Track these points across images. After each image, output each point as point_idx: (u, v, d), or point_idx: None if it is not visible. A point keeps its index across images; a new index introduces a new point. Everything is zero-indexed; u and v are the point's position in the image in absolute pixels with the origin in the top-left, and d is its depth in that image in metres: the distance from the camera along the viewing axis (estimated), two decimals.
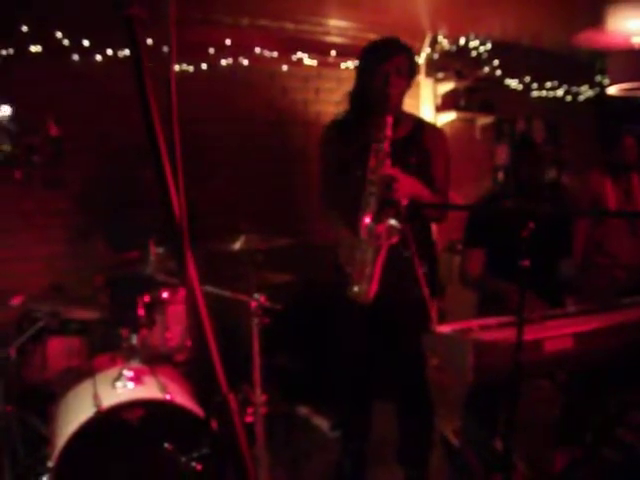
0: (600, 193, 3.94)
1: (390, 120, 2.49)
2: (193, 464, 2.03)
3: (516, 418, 2.11)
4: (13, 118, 3.76)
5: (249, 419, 3.06)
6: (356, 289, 2.52)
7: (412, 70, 2.78)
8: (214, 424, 0.91)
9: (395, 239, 2.40)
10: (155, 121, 0.95)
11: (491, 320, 2.46)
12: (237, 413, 0.91)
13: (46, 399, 2.98)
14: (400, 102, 2.78)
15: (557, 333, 2.33)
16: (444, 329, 2.40)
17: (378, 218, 2.44)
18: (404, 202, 2.36)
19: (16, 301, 3.09)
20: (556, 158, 6.23)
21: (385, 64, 2.66)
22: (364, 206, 2.50)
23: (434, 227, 3.40)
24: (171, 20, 0.98)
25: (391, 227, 2.39)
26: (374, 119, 2.61)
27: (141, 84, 0.96)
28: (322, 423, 3.90)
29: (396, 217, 2.41)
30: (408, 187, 2.50)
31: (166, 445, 2.43)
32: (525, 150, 3.26)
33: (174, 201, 0.95)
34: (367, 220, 2.47)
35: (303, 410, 4.05)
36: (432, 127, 2.98)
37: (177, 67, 4.34)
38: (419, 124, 2.88)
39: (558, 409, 3.11)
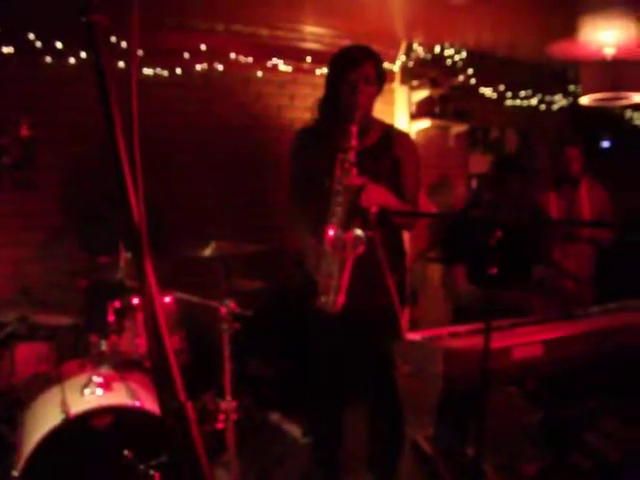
0: (543, 205, 3.98)
1: (355, 130, 2.48)
2: (151, 472, 2.01)
3: (486, 425, 2.12)
4: None
5: (219, 426, 3.05)
6: (323, 299, 2.51)
7: (380, 77, 2.75)
8: (171, 432, 0.90)
9: (361, 249, 2.40)
10: (117, 127, 0.95)
11: (461, 327, 2.48)
12: (195, 422, 0.90)
13: (13, 405, 2.94)
14: (369, 110, 2.76)
15: (526, 340, 2.35)
16: (414, 336, 2.41)
17: (345, 227, 2.44)
18: (373, 210, 2.37)
19: None
20: (528, 167, 6.29)
21: (353, 72, 2.65)
22: (330, 217, 2.50)
23: (406, 235, 3.42)
24: (134, 25, 0.98)
25: (357, 237, 2.39)
26: (343, 127, 2.60)
27: (103, 90, 0.96)
28: (293, 429, 3.89)
29: (363, 226, 2.41)
30: (376, 196, 2.50)
31: (125, 452, 2.41)
32: (515, 172, 3.30)
33: (133, 207, 0.94)
34: (331, 232, 2.47)
35: (274, 416, 4.04)
36: (401, 134, 2.97)
37: (151, 72, 4.32)
38: (388, 132, 2.86)
39: (528, 416, 3.14)
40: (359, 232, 2.39)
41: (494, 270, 1.95)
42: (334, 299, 2.47)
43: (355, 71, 2.65)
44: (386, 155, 2.76)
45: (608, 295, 3.14)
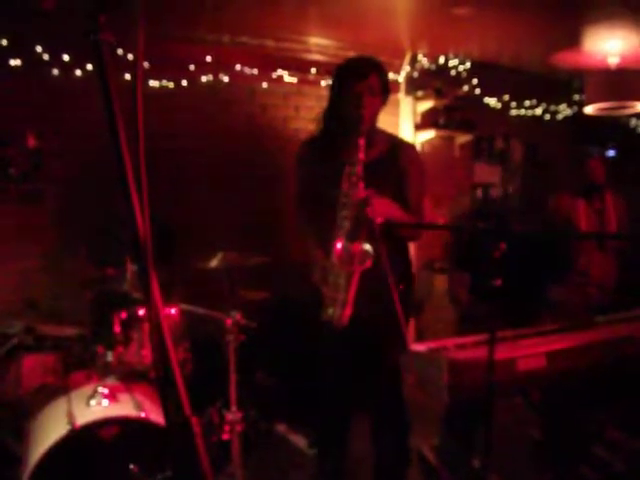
0: (571, 214, 3.99)
1: (362, 143, 2.48)
2: None
3: (492, 436, 2.12)
4: None
5: (225, 437, 3.05)
6: (330, 312, 2.52)
7: (385, 89, 2.75)
8: (176, 446, 0.91)
9: (368, 264, 2.40)
10: (123, 147, 0.96)
11: (466, 339, 2.47)
12: (200, 436, 0.91)
13: (19, 417, 2.95)
14: (374, 121, 2.76)
15: (530, 352, 2.34)
16: (420, 348, 2.41)
17: (352, 239, 2.44)
18: (379, 221, 2.37)
19: None
20: (534, 176, 6.29)
21: (358, 84, 2.64)
22: (337, 230, 2.50)
23: (412, 245, 3.42)
24: (139, 41, 0.99)
25: (364, 252, 2.39)
26: (347, 138, 2.60)
27: (109, 107, 0.97)
28: (299, 441, 3.88)
29: (370, 239, 2.41)
30: (382, 208, 2.50)
31: (131, 467, 2.41)
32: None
33: (138, 220, 0.95)
34: (339, 245, 2.47)
35: (280, 427, 4.03)
36: (407, 146, 2.96)
37: (157, 83, 4.35)
38: (393, 143, 2.86)
39: (534, 427, 3.13)
40: (367, 247, 2.39)
41: (498, 282, 1.95)
42: (341, 312, 2.47)
43: (360, 82, 2.64)
44: (391, 166, 2.75)
45: (631, 304, 3.14)
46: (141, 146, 0.96)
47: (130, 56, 3.77)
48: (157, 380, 0.89)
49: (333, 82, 2.80)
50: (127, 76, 3.19)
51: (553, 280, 3.51)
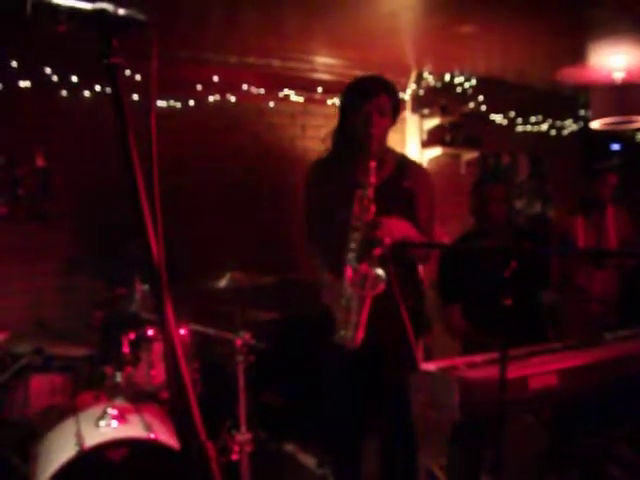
0: (568, 230, 3.97)
1: (373, 165, 2.46)
2: None
3: (503, 454, 2.11)
4: None
5: (234, 457, 3.03)
6: (342, 334, 2.49)
7: (395, 108, 2.72)
8: (191, 470, 0.90)
9: (381, 288, 2.38)
10: (135, 168, 0.96)
11: (476, 357, 2.46)
12: (215, 461, 0.90)
13: (27, 437, 2.93)
14: (383, 141, 2.73)
15: (541, 370, 2.33)
16: (429, 367, 2.40)
17: (363, 263, 2.42)
18: (387, 240, 2.35)
19: None
20: (541, 192, 6.29)
21: (367, 104, 2.60)
22: (348, 252, 2.48)
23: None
24: (153, 68, 1.00)
25: (377, 277, 2.37)
26: (357, 159, 2.59)
27: (123, 130, 0.98)
28: (309, 460, 3.86)
29: (381, 261, 2.39)
30: (394, 230, 2.48)
31: None
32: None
33: (152, 244, 0.95)
34: (351, 269, 2.45)
35: (289, 447, 4.01)
36: (415, 165, 2.94)
37: (165, 104, 4.38)
38: (402, 163, 2.84)
39: (545, 445, 3.11)
40: (379, 272, 2.37)
41: (509, 301, 1.95)
42: (353, 334, 2.45)
43: (369, 102, 2.61)
44: (401, 187, 2.73)
45: (633, 320, 3.12)
46: (154, 171, 0.97)
47: (138, 77, 3.80)
48: (172, 405, 0.89)
49: (342, 101, 2.77)
50: (135, 96, 3.20)
51: (542, 285, 3.51)
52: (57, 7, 0.97)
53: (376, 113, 2.61)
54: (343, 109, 2.75)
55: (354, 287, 2.43)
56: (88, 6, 0.98)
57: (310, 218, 2.91)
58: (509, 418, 2.12)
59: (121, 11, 0.99)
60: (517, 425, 2.79)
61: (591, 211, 3.98)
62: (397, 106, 2.74)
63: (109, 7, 0.98)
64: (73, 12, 0.98)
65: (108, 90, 3.35)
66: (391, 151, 2.86)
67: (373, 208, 2.44)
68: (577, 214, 4.00)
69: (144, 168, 0.99)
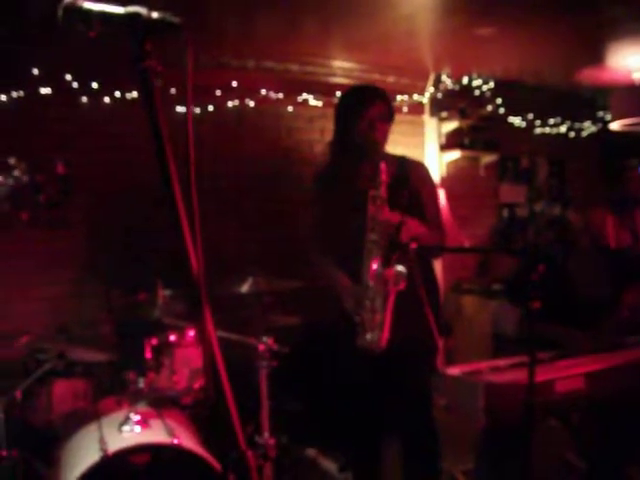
0: (601, 230, 3.91)
1: (384, 166, 2.52)
2: None
3: (530, 460, 2.09)
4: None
5: (258, 463, 3.02)
6: (369, 337, 2.49)
7: (391, 115, 2.85)
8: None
9: (402, 285, 2.40)
10: (173, 176, 0.96)
11: (500, 361, 2.45)
12: (255, 470, 0.90)
13: (50, 442, 2.94)
14: (385, 146, 2.84)
15: (568, 373, 2.31)
16: (453, 371, 2.38)
17: (386, 263, 2.44)
18: (413, 245, 2.36)
19: (22, 342, 3.07)
20: (560, 194, 6.24)
21: (369, 110, 2.73)
22: (367, 253, 2.51)
23: (438, 267, 3.39)
24: (189, 75, 1.00)
25: (398, 273, 2.39)
26: (362, 165, 2.64)
27: (157, 133, 0.98)
28: (330, 465, 3.84)
29: (402, 261, 2.40)
30: (413, 229, 2.52)
31: None
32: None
33: (191, 252, 0.94)
34: (374, 267, 2.47)
35: (311, 452, 3.99)
36: (416, 165, 3.00)
37: (184, 109, 4.39)
38: (403, 164, 2.90)
39: (572, 450, 3.07)
40: (400, 268, 2.39)
41: (538, 304, 1.93)
42: (379, 336, 2.45)
43: (372, 108, 2.74)
44: (404, 187, 2.76)
45: None
46: (192, 181, 0.96)
47: (159, 82, 3.82)
48: (212, 415, 0.88)
49: (341, 109, 2.88)
50: None
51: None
52: (89, 12, 0.97)
53: (377, 118, 2.74)
54: (343, 117, 2.85)
55: (377, 284, 2.44)
56: (121, 10, 0.98)
57: (319, 231, 2.96)
58: (535, 423, 2.10)
59: (155, 14, 0.98)
60: (544, 431, 2.76)
61: (623, 212, 3.94)
62: (393, 113, 2.87)
63: (142, 10, 0.98)
64: (106, 16, 0.97)
65: (128, 97, 3.37)
66: (390, 155, 2.92)
67: (387, 207, 2.47)
68: (607, 215, 3.95)
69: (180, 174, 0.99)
